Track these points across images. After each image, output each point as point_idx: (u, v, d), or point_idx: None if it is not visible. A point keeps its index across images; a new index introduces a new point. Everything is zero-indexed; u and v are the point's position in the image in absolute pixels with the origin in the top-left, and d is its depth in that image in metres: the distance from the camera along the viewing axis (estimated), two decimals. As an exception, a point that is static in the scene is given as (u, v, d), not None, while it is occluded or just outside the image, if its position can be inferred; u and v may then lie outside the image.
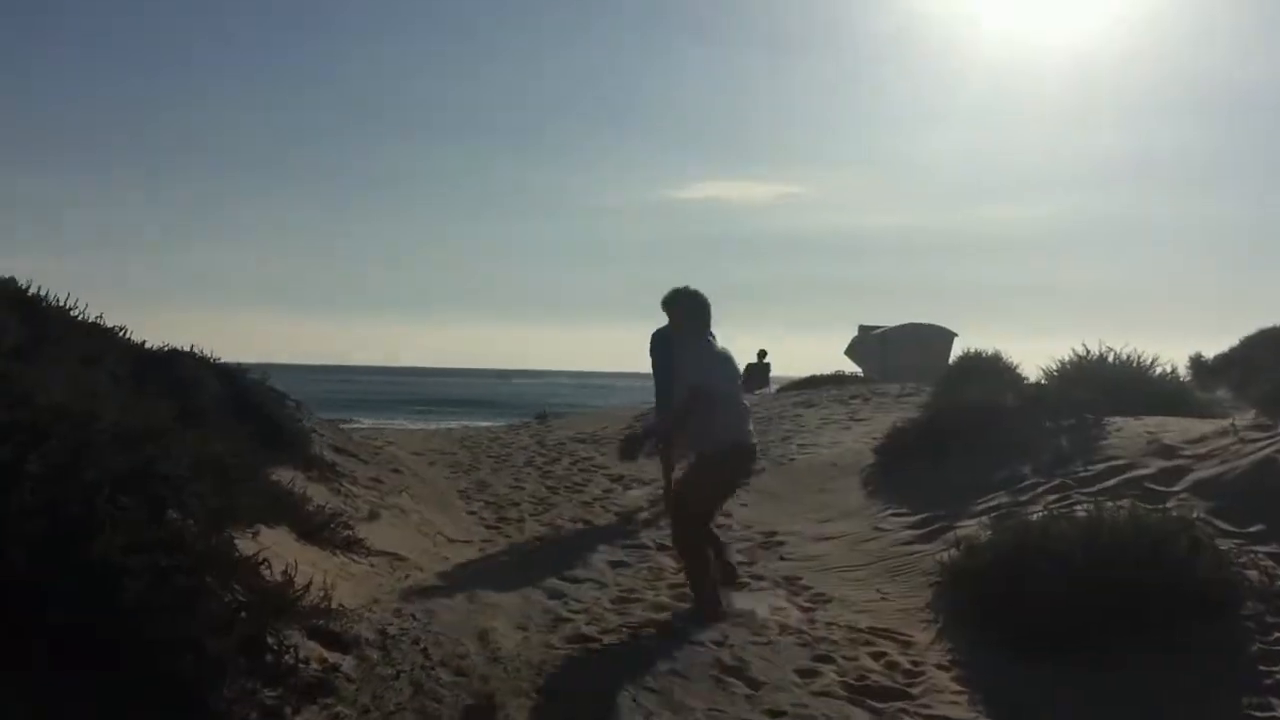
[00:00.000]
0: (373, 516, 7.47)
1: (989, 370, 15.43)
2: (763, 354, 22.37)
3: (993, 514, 6.99)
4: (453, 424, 29.70)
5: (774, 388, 22.01)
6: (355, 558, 6.11)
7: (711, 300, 6.10)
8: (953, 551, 6.15)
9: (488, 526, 8.21)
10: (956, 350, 33.74)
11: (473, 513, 8.72)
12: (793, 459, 11.00)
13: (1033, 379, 15.56)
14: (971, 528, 6.77)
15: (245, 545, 4.89)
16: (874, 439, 11.70)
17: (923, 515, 7.52)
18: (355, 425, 18.40)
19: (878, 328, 34.25)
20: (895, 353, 31.76)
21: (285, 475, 7.25)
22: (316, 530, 6.02)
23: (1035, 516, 6.17)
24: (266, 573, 4.39)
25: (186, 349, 7.88)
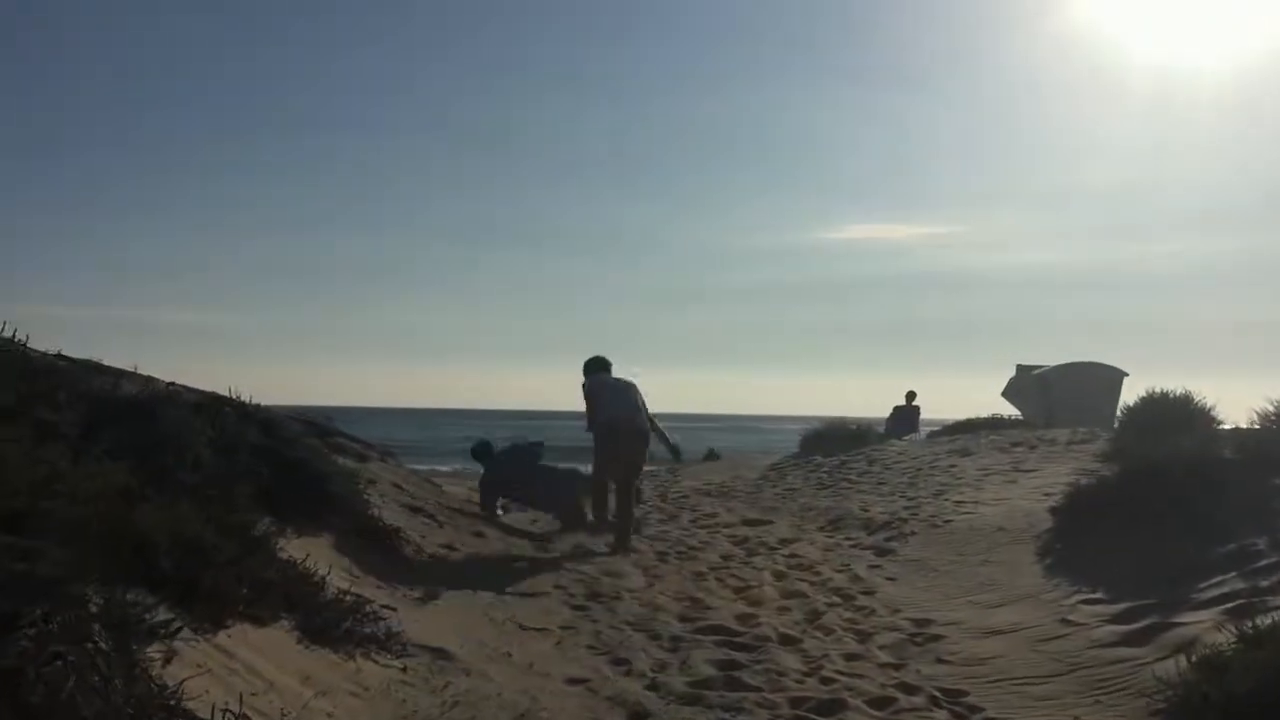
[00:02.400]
0: (429, 598, 6.14)
1: (1179, 414, 13.34)
2: (911, 395, 20.52)
3: (1226, 606, 5.22)
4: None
5: (924, 433, 20.09)
6: (382, 660, 4.76)
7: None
8: (1182, 664, 4.47)
9: (574, 607, 6.78)
10: (1127, 391, 31.08)
11: (560, 587, 7.31)
12: (949, 520, 9.26)
13: (1232, 425, 13.59)
14: (1201, 626, 5.03)
15: (200, 656, 3.63)
16: (1046, 496, 9.88)
17: (1126, 604, 5.76)
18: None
19: (1038, 367, 31.71)
20: (1058, 394, 29.22)
21: (318, 548, 6.02)
22: (330, 626, 4.70)
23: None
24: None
25: (223, 395, 6.76)
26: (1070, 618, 5.82)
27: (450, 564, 6.98)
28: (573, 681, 5.09)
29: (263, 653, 4.12)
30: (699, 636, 6.04)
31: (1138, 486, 7.22)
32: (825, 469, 14.87)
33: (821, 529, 10.11)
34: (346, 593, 5.10)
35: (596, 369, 9.81)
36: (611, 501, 9.69)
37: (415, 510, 8.28)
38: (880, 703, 4.83)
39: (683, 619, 6.53)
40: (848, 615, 6.60)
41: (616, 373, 9.80)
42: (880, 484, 12.63)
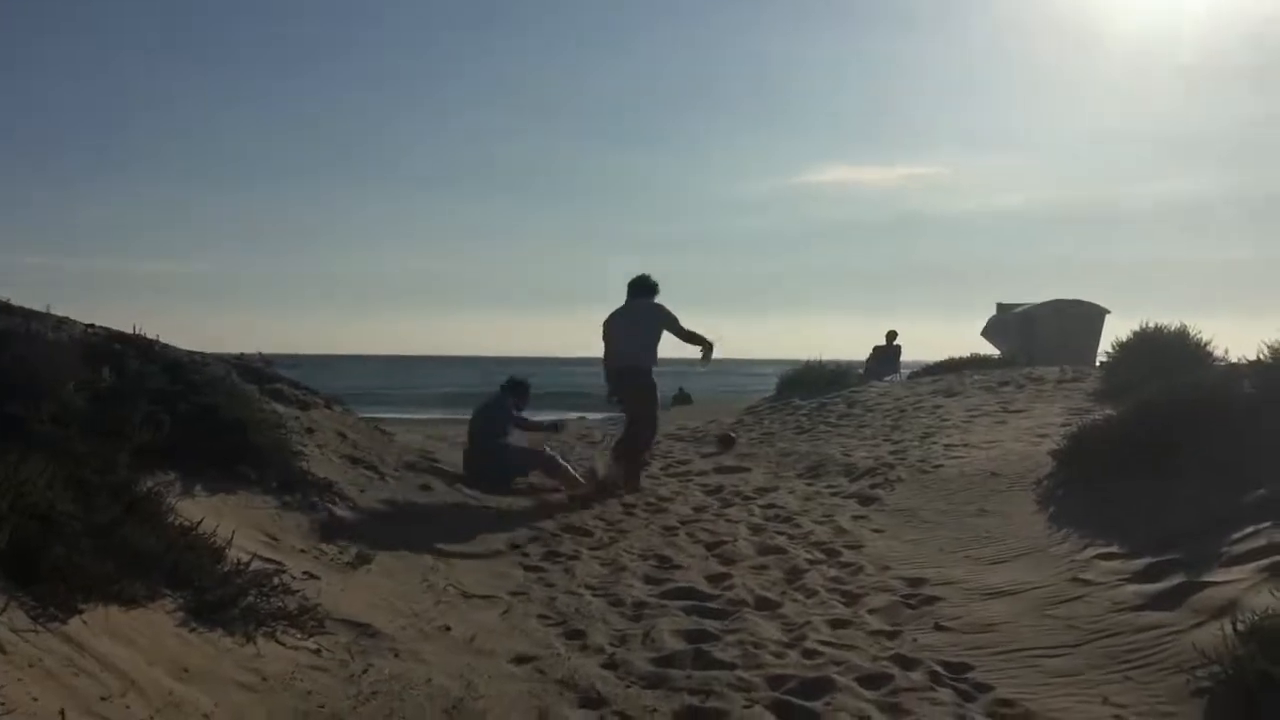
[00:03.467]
0: (360, 562, 5.41)
1: (1174, 349, 12.72)
2: (892, 335, 19.84)
3: (1264, 562, 4.56)
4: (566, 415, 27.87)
5: (905, 373, 19.45)
6: (291, 640, 4.04)
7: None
8: (1225, 632, 3.81)
9: (527, 569, 6.07)
10: (1108, 329, 30.57)
11: (514, 547, 6.60)
12: (938, 465, 8.59)
13: (1225, 362, 12.97)
14: (1239, 587, 4.37)
15: (35, 652, 2.93)
16: (1040, 437, 9.25)
17: (1146, 560, 5.10)
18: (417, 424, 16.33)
19: (1018, 306, 31.14)
20: (1039, 332, 28.67)
21: (231, 508, 5.29)
22: (227, 602, 3.96)
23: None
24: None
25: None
26: (1084, 576, 5.15)
27: (390, 522, 6.25)
28: (519, 660, 4.40)
29: (130, 642, 3.39)
30: (666, 601, 5.35)
31: (1149, 426, 6.54)
32: (803, 412, 14.19)
33: (800, 476, 9.44)
34: (249, 561, 4.35)
35: (630, 295, 9.65)
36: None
37: (356, 462, 7.53)
38: (873, 681, 4.15)
39: (648, 580, 5.85)
40: (832, 574, 5.92)
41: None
42: (862, 427, 11.96)
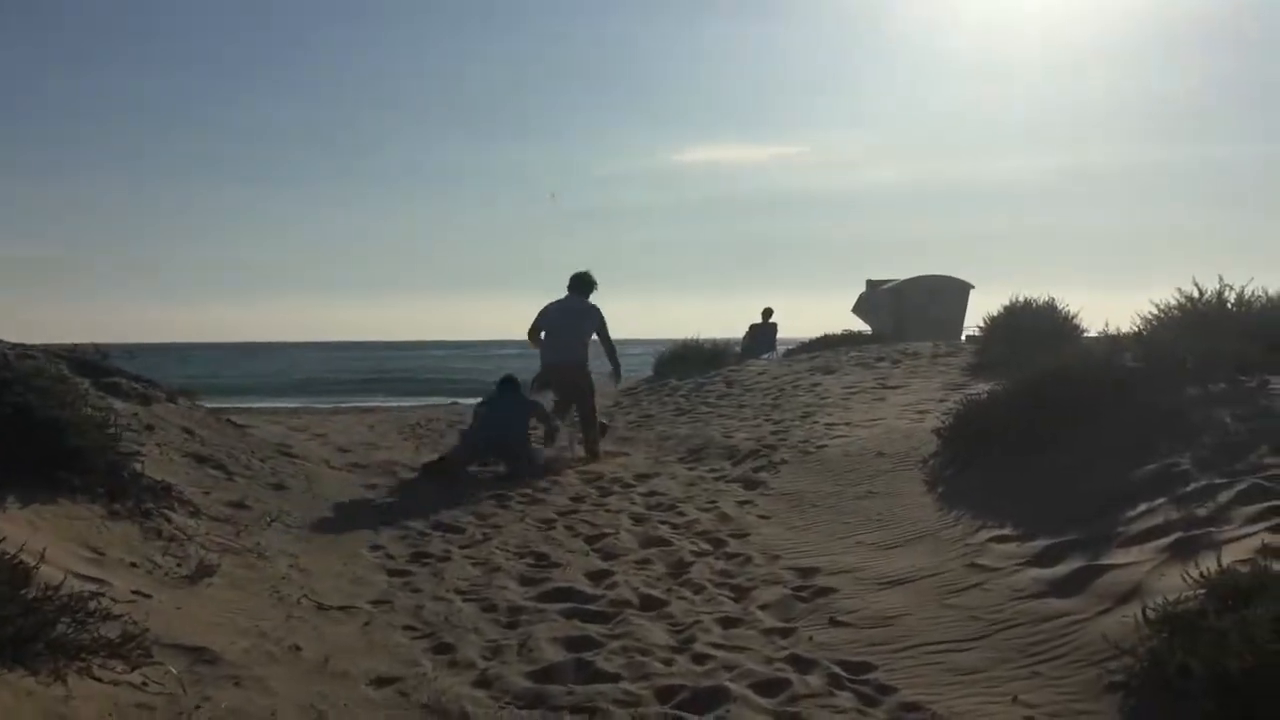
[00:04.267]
0: (201, 574, 4.85)
1: (1044, 322, 12.84)
2: (768, 313, 19.70)
3: (1163, 542, 4.40)
4: (437, 400, 27.11)
5: (781, 350, 19.38)
6: (111, 674, 3.50)
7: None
8: (1134, 620, 3.62)
9: (392, 573, 5.59)
10: (973, 303, 31.25)
11: (378, 547, 6.10)
12: (821, 445, 8.37)
13: (1093, 333, 13.16)
14: (1141, 569, 4.20)
15: None
16: (920, 414, 9.14)
17: (1043, 542, 4.91)
18: (274, 412, 15.38)
19: (887, 282, 31.58)
20: (907, 307, 29.11)
21: (49, 520, 4.69)
22: (29, 635, 3.39)
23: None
24: None
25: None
26: (980, 560, 4.93)
27: (238, 527, 5.68)
28: (380, 682, 3.94)
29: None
30: (544, 605, 4.94)
31: (1034, 401, 6.40)
32: (682, 393, 13.91)
33: (682, 460, 9.12)
34: (61, 583, 3.78)
35: (570, 289, 9.83)
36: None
37: (202, 460, 6.91)
38: (769, 687, 3.83)
39: (524, 581, 5.43)
40: (720, 566, 5.60)
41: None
42: (741, 407, 11.72)
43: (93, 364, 8.20)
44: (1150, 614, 3.57)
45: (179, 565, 4.90)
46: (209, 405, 9.83)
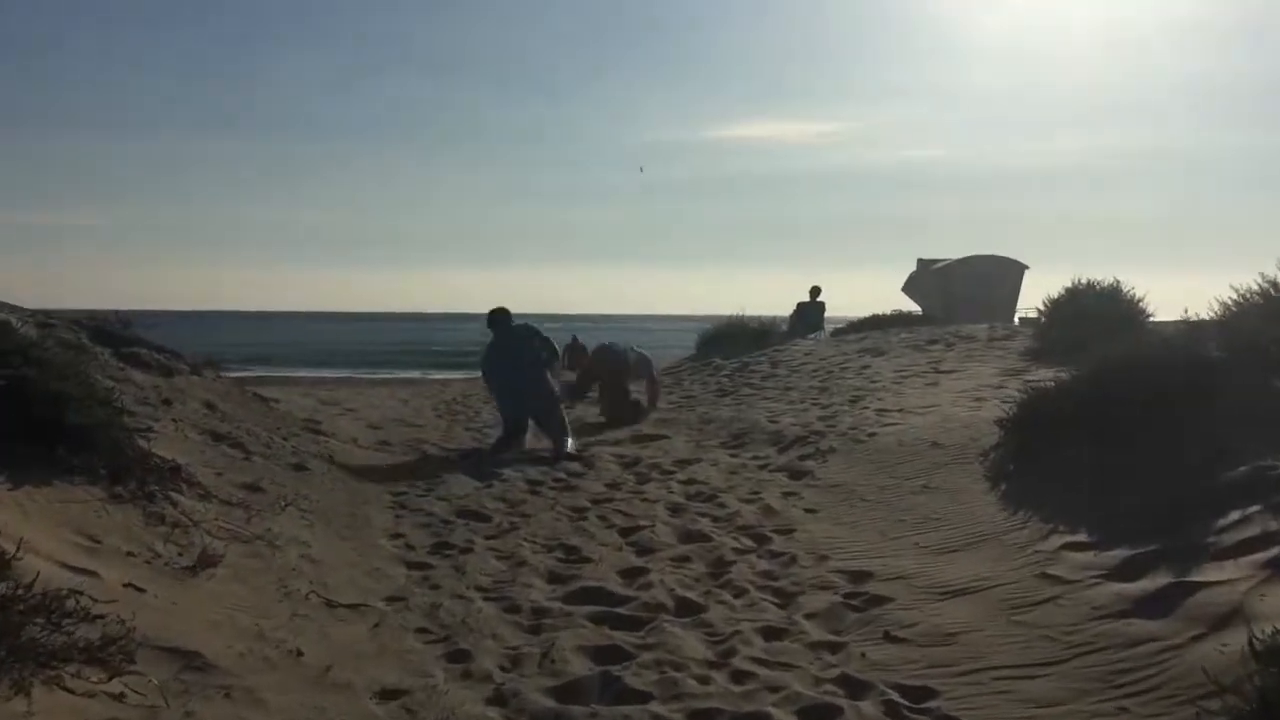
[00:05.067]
0: (203, 565, 4.49)
1: (1108, 306, 12.24)
2: (816, 291, 19.12)
3: (1261, 556, 3.92)
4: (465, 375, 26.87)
5: (828, 330, 18.83)
6: (87, 683, 3.15)
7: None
8: (1234, 650, 3.17)
9: (410, 565, 5.22)
10: (1027, 284, 30.41)
11: (398, 536, 5.74)
12: (872, 433, 7.89)
13: (1159, 317, 12.53)
14: (1239, 589, 3.71)
15: None
16: (977, 401, 8.64)
17: (1122, 551, 4.43)
18: (306, 385, 15.10)
19: (938, 261, 30.82)
20: (958, 288, 28.38)
21: (40, 504, 4.36)
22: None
23: None
24: None
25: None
26: (1053, 570, 4.46)
27: (249, 512, 5.33)
28: (384, 695, 3.57)
29: None
30: (571, 608, 4.54)
31: (1108, 392, 5.88)
32: (725, 373, 13.47)
33: (724, 444, 8.69)
34: (35, 578, 3.42)
35: (494, 331, 9.38)
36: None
37: (219, 438, 6.57)
38: (817, 715, 3.42)
39: (552, 579, 5.04)
40: (763, 566, 5.18)
41: None
42: (788, 389, 11.26)
43: (114, 333, 7.92)
44: (1257, 645, 3.10)
45: (180, 554, 4.55)
46: (248, 374, 9.56)
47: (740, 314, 17.23)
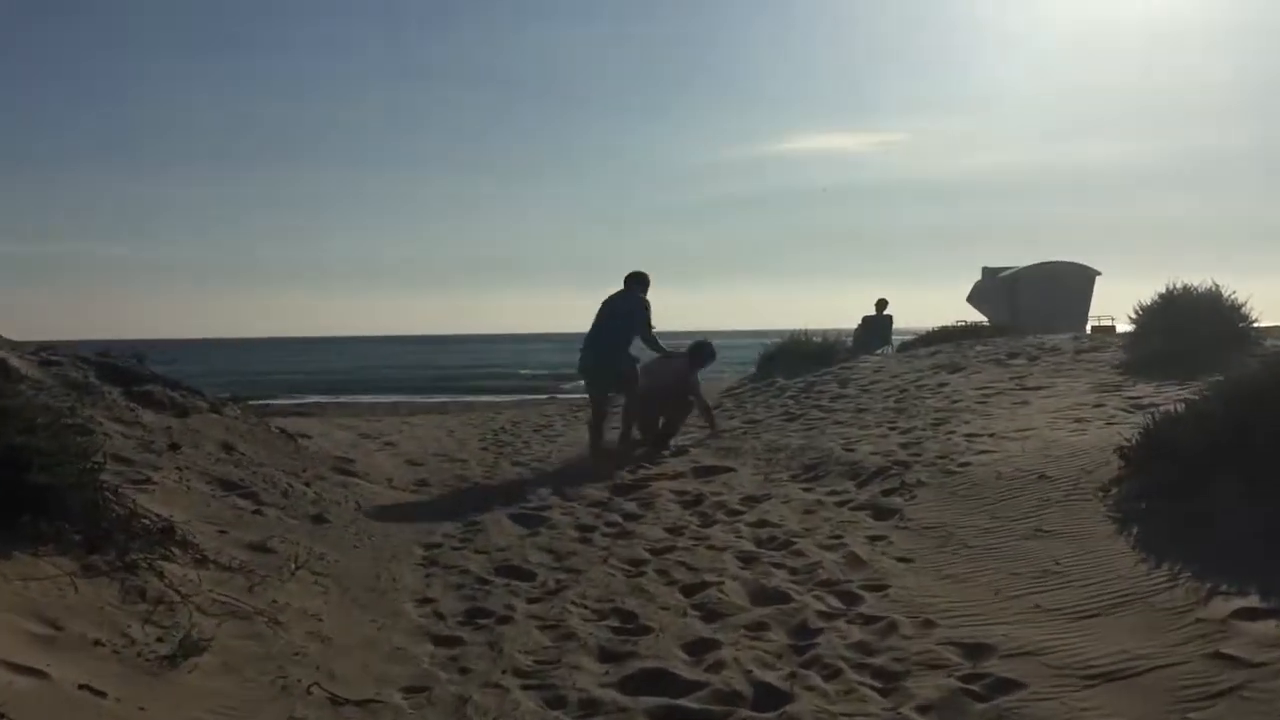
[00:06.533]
0: (185, 653, 3.75)
1: (1207, 314, 11.19)
2: (882, 304, 18.18)
3: None
4: (527, 397, 26.26)
5: (896, 343, 17.87)
6: None
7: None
8: None
9: (438, 640, 4.44)
10: (1099, 291, 29.15)
11: (427, 601, 4.97)
12: (965, 463, 6.98)
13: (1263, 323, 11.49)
14: None
15: None
16: (1079, 422, 7.70)
17: (1320, 624, 3.53)
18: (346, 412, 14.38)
19: (1005, 269, 29.69)
20: (1028, 296, 27.24)
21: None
22: None
23: None
24: None
25: None
26: (1229, 649, 3.55)
27: (251, 579, 4.59)
28: None
29: None
30: (627, 699, 3.73)
31: (1266, 418, 4.95)
32: (790, 393, 12.59)
33: (795, 477, 7.82)
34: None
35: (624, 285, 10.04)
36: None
37: (230, 488, 5.86)
38: None
39: (604, 655, 4.23)
40: (856, 636, 4.32)
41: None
42: (860, 411, 10.35)
43: (125, 370, 7.28)
44: None
45: (160, 640, 3.81)
46: (294, 402, 8.93)
47: (803, 329, 16.35)
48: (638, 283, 9.98)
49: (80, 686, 3.29)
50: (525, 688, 3.87)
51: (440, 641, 4.41)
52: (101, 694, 3.29)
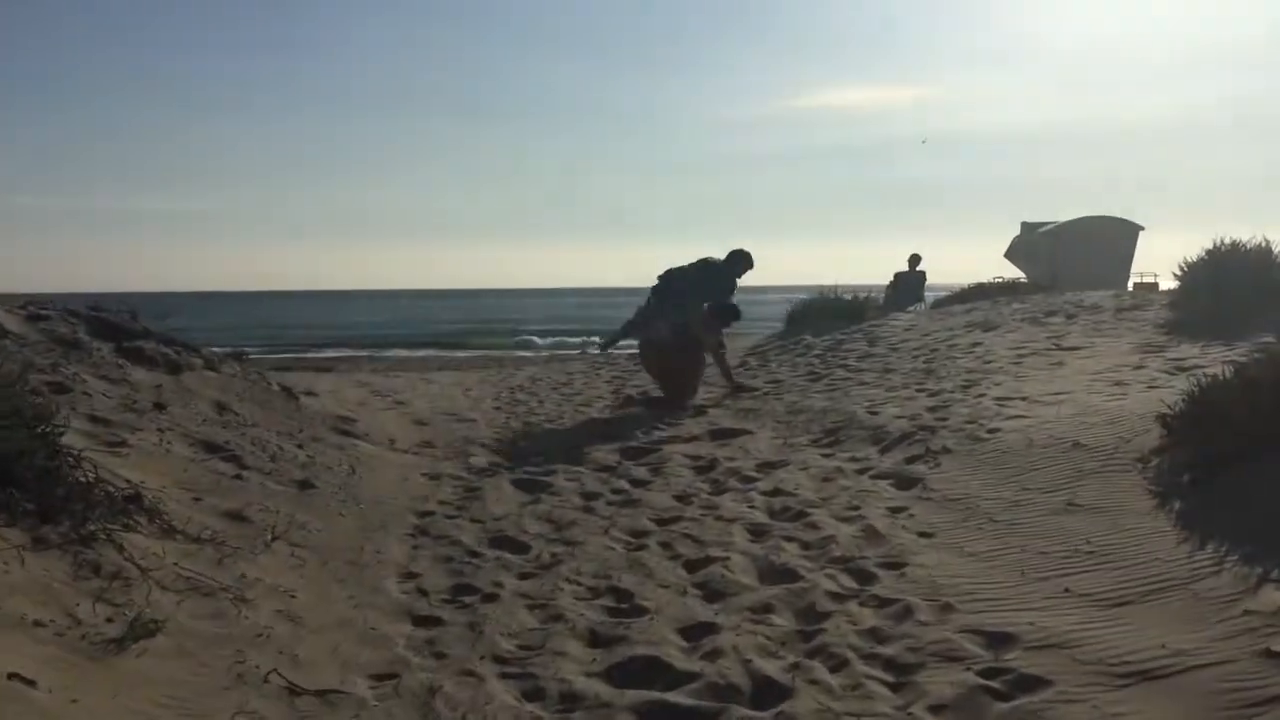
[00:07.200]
0: (136, 635, 3.46)
1: (1257, 272, 10.64)
2: (915, 260, 17.64)
3: None
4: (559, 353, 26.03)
5: (929, 301, 17.36)
6: None
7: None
8: None
9: (417, 620, 4.14)
10: (1142, 246, 28.35)
11: (411, 576, 4.67)
12: (994, 429, 6.58)
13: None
14: None
15: None
16: (1118, 386, 7.28)
17: (1383, 618, 3.14)
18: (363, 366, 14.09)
19: (1045, 224, 28.99)
20: (1069, 252, 26.56)
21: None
22: None
23: None
24: None
25: None
26: (1279, 647, 3.18)
27: (221, 551, 4.30)
28: None
29: None
30: (612, 692, 3.41)
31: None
32: (816, 352, 12.19)
33: (815, 442, 7.46)
34: None
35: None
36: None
37: (213, 450, 5.57)
38: None
39: (594, 640, 3.92)
40: (868, 621, 3.98)
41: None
42: (888, 371, 9.95)
43: (118, 325, 7.00)
44: None
45: (110, 621, 3.52)
46: (316, 357, 8.65)
47: (833, 285, 15.88)
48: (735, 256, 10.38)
49: (10, 676, 3.01)
50: (503, 676, 3.56)
51: (419, 621, 4.10)
52: (31, 683, 3.01)
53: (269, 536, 4.61)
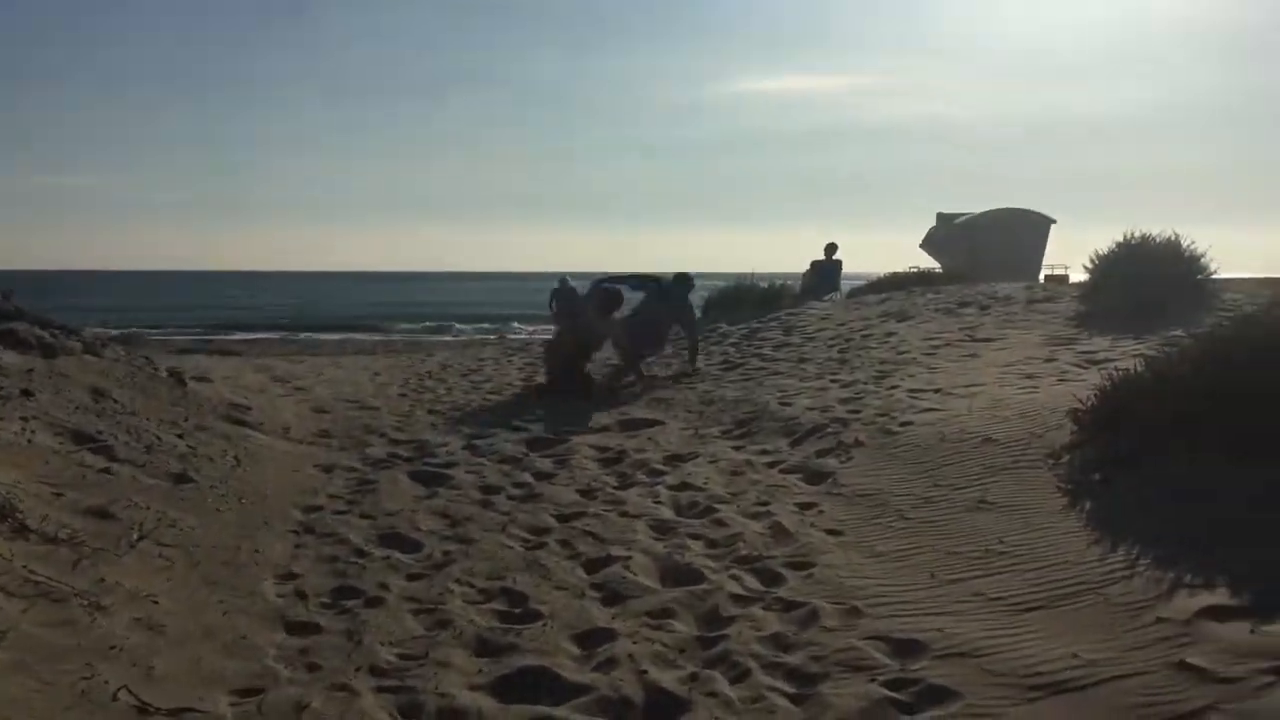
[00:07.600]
0: (-37, 652, 3.13)
1: (1166, 265, 10.73)
2: (832, 248, 17.56)
3: None
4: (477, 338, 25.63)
5: (845, 291, 17.31)
6: None
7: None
8: None
9: (291, 628, 3.85)
10: (1053, 239, 28.83)
11: (291, 577, 4.37)
12: (906, 422, 6.46)
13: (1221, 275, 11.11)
14: None
15: None
16: (1029, 378, 7.23)
17: (1294, 625, 3.03)
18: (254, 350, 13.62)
19: (960, 215, 29.27)
20: (982, 243, 26.85)
21: None
22: None
23: None
24: None
25: None
26: (1195, 659, 3.04)
27: (80, 552, 3.96)
28: None
29: None
30: (495, 708, 3.17)
31: (1232, 380, 4.45)
32: (732, 340, 12.04)
33: (726, 433, 7.28)
34: None
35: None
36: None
37: (82, 440, 5.19)
38: None
39: (481, 649, 3.67)
40: (772, 626, 3.79)
41: None
42: (802, 361, 9.83)
43: (-15, 306, 6.54)
44: None
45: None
46: (237, 339, 8.20)
47: (749, 274, 15.74)
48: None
49: None
50: (379, 690, 3.30)
51: (294, 629, 3.82)
52: None
53: (135, 536, 4.27)
